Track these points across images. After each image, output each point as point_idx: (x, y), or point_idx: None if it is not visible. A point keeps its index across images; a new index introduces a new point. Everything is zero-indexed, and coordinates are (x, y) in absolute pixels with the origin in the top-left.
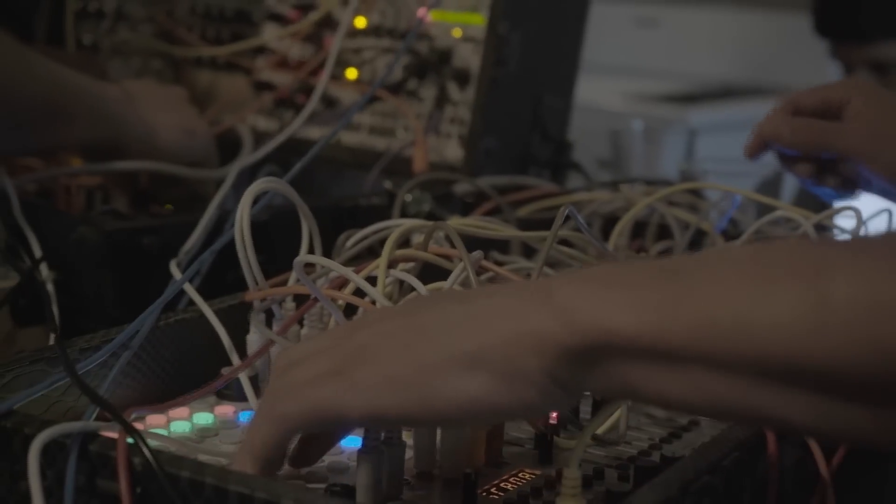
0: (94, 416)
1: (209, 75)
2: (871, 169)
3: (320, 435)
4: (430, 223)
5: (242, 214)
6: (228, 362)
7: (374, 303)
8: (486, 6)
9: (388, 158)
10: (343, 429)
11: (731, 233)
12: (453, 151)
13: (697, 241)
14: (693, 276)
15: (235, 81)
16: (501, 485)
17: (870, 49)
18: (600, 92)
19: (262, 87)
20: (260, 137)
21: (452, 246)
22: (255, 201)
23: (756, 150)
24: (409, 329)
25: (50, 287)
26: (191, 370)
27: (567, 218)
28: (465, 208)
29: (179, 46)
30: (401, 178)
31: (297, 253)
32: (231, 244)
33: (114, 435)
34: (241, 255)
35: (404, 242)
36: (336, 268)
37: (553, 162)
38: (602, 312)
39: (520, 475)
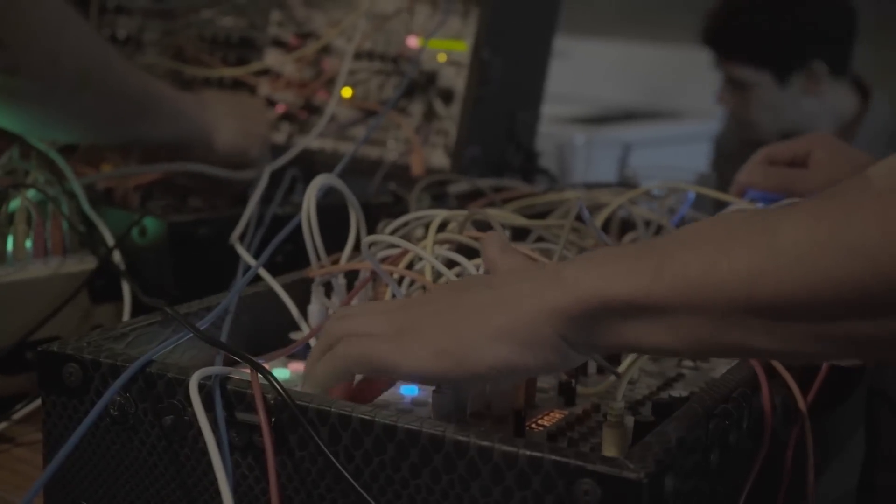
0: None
1: (214, 93)
2: None
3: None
4: (466, 211)
5: (309, 203)
6: (292, 326)
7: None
8: (469, 35)
9: (387, 165)
10: (394, 378)
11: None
12: (439, 159)
13: (658, 234)
14: (669, 246)
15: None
16: (538, 422)
17: (729, 66)
18: None
19: (266, 103)
20: None
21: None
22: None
23: (738, 193)
24: (451, 311)
25: (124, 270)
26: (262, 333)
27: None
28: (459, 206)
29: (191, 66)
30: (399, 182)
31: (328, 240)
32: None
33: (245, 377)
34: (306, 236)
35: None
36: (400, 243)
37: (523, 168)
38: (600, 283)
39: (551, 415)
